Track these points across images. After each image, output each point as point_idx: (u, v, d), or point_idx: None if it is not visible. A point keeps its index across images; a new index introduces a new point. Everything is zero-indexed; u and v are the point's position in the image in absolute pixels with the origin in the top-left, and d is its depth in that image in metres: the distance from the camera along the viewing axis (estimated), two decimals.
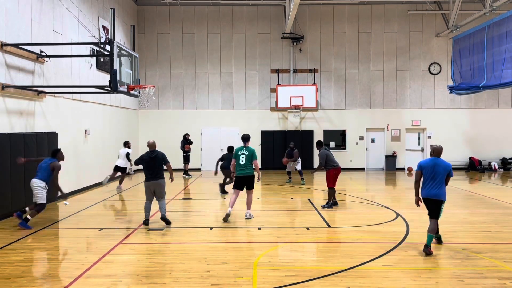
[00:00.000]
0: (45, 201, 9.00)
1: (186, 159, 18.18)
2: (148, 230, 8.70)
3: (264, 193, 13.93)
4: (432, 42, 21.35)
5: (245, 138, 9.86)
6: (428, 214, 7.23)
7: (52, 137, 11.94)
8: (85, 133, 14.49)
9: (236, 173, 9.66)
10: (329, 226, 9.05)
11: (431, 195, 7.09)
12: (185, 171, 18.18)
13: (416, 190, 7.37)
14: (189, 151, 18.26)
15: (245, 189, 9.71)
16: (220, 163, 13.19)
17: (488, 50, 15.06)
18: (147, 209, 9.16)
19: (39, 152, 11.17)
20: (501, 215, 10.24)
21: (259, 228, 8.83)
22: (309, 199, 12.44)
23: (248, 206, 9.78)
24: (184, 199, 12.78)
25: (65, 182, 12.84)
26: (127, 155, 14.36)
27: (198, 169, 20.61)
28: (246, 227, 8.99)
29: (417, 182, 7.35)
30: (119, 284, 5.70)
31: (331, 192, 11.03)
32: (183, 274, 6.05)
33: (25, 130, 10.85)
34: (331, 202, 11.01)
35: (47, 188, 9.01)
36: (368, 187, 15.84)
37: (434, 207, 7.12)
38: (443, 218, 9.66)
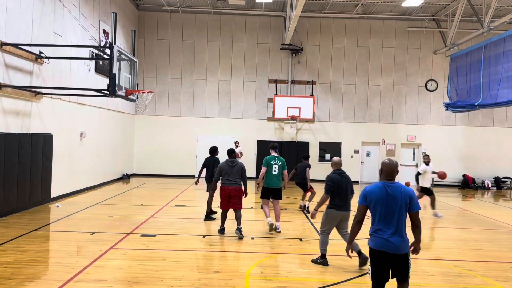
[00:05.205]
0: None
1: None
2: (141, 236, 8.64)
3: (259, 203, 13.89)
4: (429, 59, 21.54)
5: (274, 147, 9.72)
6: None
7: (47, 138, 11.87)
8: (81, 135, 14.43)
9: (268, 183, 9.35)
10: None
11: None
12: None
13: None
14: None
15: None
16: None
17: (485, 69, 15.19)
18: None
19: (33, 153, 11.10)
20: (493, 234, 10.27)
21: (252, 238, 8.79)
22: (303, 211, 12.42)
23: (278, 218, 9.51)
24: (177, 205, 12.70)
25: (59, 184, 12.78)
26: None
27: (193, 176, 20.53)
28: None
29: None
30: None
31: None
32: (174, 281, 6.00)
33: (21, 130, 10.79)
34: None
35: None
36: None
37: None
38: (436, 235, 9.70)
